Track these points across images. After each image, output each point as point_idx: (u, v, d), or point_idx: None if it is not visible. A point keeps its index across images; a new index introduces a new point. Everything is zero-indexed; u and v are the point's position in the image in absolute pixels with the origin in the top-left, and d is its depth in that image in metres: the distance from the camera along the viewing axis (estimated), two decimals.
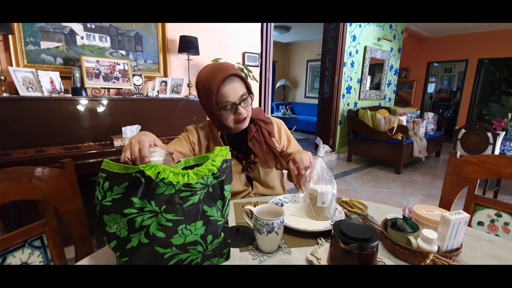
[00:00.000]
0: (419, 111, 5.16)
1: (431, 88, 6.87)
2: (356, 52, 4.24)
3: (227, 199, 0.57)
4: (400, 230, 0.64)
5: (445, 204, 1.02)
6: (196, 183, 0.52)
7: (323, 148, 0.83)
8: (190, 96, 2.28)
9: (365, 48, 4.34)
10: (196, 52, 2.20)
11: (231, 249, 0.62)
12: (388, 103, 5.33)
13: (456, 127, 2.77)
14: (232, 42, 2.71)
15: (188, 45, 2.14)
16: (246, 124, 0.90)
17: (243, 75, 0.88)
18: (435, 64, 6.45)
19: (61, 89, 1.73)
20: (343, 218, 0.78)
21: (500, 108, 3.49)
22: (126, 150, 0.62)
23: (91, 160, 1.56)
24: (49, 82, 1.71)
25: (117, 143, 1.65)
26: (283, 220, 0.62)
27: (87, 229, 0.81)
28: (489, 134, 2.49)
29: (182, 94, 2.20)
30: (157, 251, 0.50)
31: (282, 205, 0.88)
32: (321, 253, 0.62)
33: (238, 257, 0.62)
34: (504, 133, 2.54)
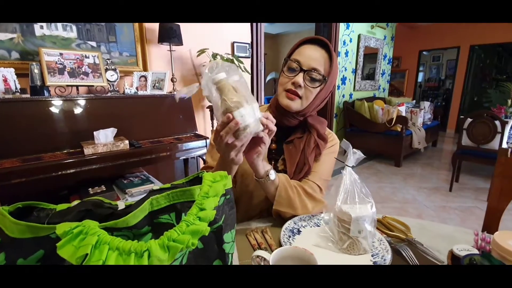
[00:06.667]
0: (414, 101, 5.04)
1: (420, 77, 6.77)
2: (350, 40, 4.04)
3: (230, 256, 0.35)
4: None
5: (494, 212, 0.83)
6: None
7: (353, 154, 0.62)
8: (175, 93, 2.01)
9: (359, 36, 4.14)
10: (179, 42, 1.93)
11: None
12: (383, 93, 5.19)
13: (461, 116, 2.61)
14: (219, 30, 2.44)
15: (170, 34, 1.87)
16: (294, 104, 0.73)
17: (334, 54, 0.73)
18: (424, 52, 6.33)
19: (16, 88, 1.44)
20: (387, 250, 0.57)
21: (499, 94, 3.37)
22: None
23: (58, 173, 1.29)
24: (1, 80, 1.42)
25: (88, 150, 1.39)
26: None
27: None
28: (497, 123, 2.34)
29: (165, 90, 1.93)
30: None
31: (299, 231, 0.66)
32: None
33: None
34: None
